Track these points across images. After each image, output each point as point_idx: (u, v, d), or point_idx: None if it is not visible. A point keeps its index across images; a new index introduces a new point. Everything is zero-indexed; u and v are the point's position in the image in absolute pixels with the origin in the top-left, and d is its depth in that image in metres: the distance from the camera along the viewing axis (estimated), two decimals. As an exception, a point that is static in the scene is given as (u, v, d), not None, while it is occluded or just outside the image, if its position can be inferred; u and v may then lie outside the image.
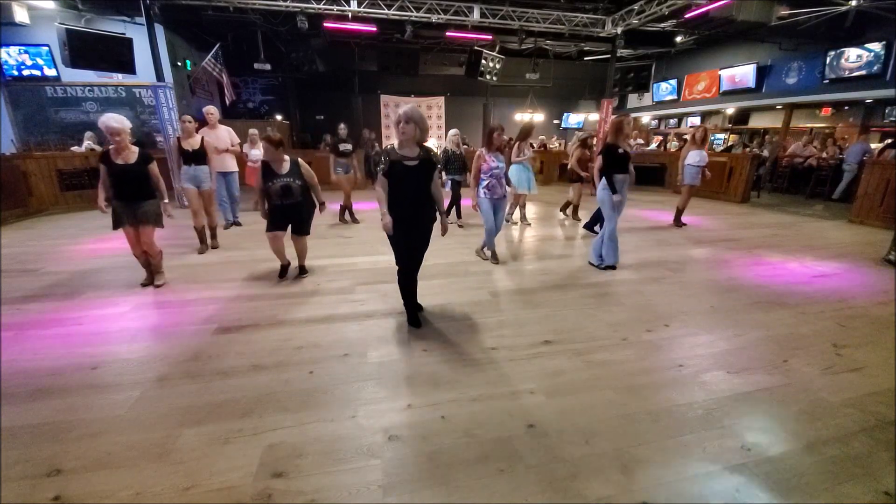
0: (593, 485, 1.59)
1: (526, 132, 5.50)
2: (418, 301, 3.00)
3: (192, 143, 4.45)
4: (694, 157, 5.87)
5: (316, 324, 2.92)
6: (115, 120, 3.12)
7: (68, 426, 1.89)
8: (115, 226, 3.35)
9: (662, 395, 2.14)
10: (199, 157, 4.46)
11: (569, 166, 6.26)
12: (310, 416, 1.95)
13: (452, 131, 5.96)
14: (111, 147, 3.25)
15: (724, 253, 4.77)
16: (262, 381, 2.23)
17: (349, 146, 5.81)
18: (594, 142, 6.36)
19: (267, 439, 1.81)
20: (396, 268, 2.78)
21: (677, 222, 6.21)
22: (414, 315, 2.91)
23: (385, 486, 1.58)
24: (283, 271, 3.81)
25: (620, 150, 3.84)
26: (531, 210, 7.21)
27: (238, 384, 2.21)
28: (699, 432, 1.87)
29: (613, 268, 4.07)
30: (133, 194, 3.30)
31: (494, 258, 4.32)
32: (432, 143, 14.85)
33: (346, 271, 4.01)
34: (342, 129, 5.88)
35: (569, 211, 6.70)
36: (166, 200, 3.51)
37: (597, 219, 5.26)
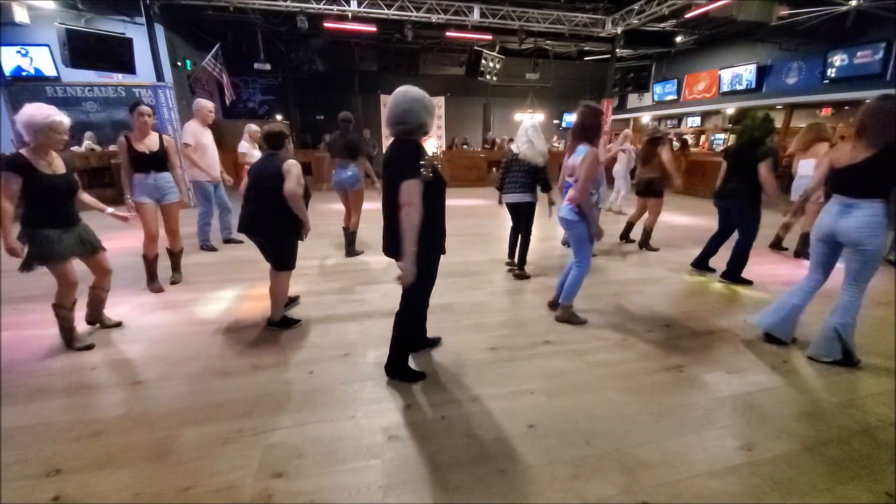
0: (594, 485, 1.58)
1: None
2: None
3: (150, 144, 3.33)
4: (808, 168, 4.30)
5: (316, 324, 2.92)
6: (56, 111, 2.36)
7: (68, 426, 1.88)
8: (54, 259, 2.40)
9: (663, 396, 2.14)
10: (160, 161, 3.38)
11: (637, 173, 4.73)
12: (310, 417, 1.95)
13: (529, 123, 3.54)
14: (25, 150, 2.36)
15: (724, 253, 4.75)
16: (262, 381, 2.23)
17: (356, 138, 4.42)
18: (669, 139, 4.80)
19: (267, 439, 1.80)
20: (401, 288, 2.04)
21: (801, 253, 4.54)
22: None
23: (385, 486, 1.58)
24: (288, 301, 3.06)
25: None
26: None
27: (238, 384, 2.21)
28: (700, 433, 1.87)
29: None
30: (72, 214, 2.54)
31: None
32: (432, 144, 14.87)
33: (346, 271, 4.01)
34: (346, 118, 4.39)
35: (635, 236, 5.03)
36: (110, 210, 2.72)
37: (711, 251, 4.00)
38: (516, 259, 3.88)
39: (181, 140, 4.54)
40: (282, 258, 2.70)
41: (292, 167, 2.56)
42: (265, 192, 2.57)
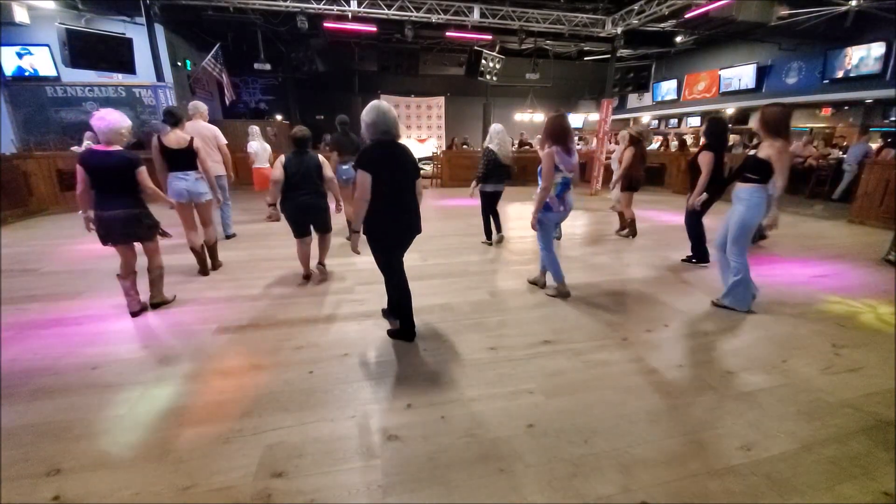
0: (592, 484, 1.59)
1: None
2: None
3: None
4: None
5: (316, 324, 2.92)
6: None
7: (68, 426, 1.89)
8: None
9: (661, 395, 2.14)
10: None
11: (620, 169, 5.18)
12: (310, 416, 1.96)
13: (501, 127, 4.63)
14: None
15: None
16: (262, 381, 2.23)
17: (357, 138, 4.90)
18: (649, 138, 5.20)
19: (267, 439, 1.81)
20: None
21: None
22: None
23: (385, 486, 1.58)
24: (308, 278, 3.75)
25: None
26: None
27: (238, 384, 2.21)
28: (698, 432, 1.88)
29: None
30: None
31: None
32: (431, 143, 14.87)
33: (346, 271, 4.01)
34: (344, 120, 4.97)
35: (626, 230, 5.47)
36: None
37: (701, 244, 4.37)
38: (495, 233, 4.98)
39: (219, 140, 4.69)
40: (328, 225, 3.66)
41: (324, 160, 3.51)
42: (312, 178, 3.38)
